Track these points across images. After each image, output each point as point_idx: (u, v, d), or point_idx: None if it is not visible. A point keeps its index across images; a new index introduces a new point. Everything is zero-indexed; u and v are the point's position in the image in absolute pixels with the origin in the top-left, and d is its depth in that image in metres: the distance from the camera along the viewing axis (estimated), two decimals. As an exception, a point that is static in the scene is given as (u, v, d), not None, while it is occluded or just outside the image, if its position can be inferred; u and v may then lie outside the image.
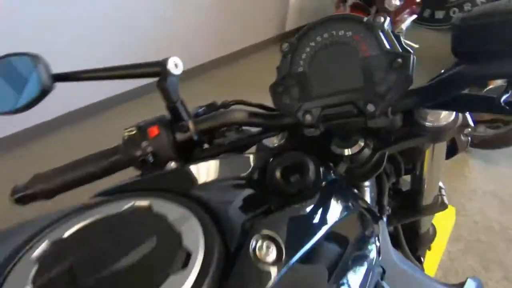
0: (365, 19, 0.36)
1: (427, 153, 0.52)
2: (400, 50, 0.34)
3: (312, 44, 0.38)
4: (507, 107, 0.31)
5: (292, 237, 0.28)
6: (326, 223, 0.31)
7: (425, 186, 0.57)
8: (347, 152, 0.40)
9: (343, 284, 0.29)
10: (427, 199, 0.59)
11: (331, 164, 0.40)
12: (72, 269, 0.24)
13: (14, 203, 0.42)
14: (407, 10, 2.09)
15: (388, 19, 0.36)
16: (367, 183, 0.48)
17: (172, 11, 2.58)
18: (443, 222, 1.31)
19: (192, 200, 0.31)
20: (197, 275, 0.24)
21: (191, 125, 0.45)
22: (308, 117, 0.38)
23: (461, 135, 0.45)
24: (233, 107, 0.50)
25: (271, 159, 0.36)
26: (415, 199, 0.60)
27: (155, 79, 0.44)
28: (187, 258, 0.25)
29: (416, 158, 0.54)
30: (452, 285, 0.52)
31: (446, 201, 0.60)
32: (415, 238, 0.70)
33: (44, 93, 0.45)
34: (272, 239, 0.27)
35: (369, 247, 0.35)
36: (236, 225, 0.29)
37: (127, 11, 2.31)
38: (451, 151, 0.50)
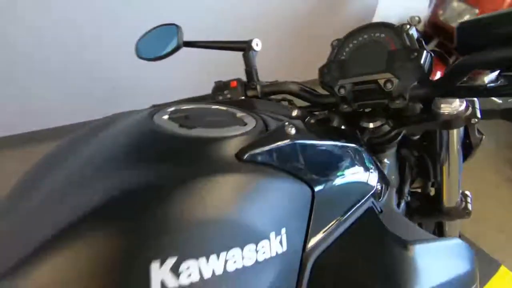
0: (396, 25, 0.48)
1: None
2: (418, 47, 0.45)
3: (355, 42, 0.51)
4: (492, 91, 0.40)
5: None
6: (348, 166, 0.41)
7: (445, 186, 0.59)
8: (371, 125, 0.51)
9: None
10: (449, 201, 0.61)
11: (358, 133, 0.51)
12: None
13: None
14: None
15: (413, 27, 0.47)
16: (386, 160, 0.57)
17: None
18: None
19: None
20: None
21: (258, 86, 0.61)
22: (342, 91, 0.49)
23: (475, 132, 0.53)
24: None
25: None
26: (437, 199, 0.62)
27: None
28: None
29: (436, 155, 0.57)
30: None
31: (470, 208, 0.61)
32: None
33: (175, 50, 0.67)
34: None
35: (370, 181, 0.42)
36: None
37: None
38: (468, 150, 0.56)
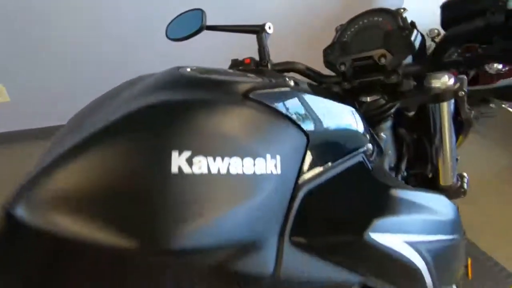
0: (392, 9, 0.55)
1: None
2: (410, 27, 0.51)
3: (356, 26, 0.57)
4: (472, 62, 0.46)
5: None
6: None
7: (440, 164, 0.62)
8: (368, 99, 0.57)
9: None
10: (445, 179, 0.63)
11: (357, 106, 0.57)
12: None
13: None
14: None
15: (407, 10, 0.54)
16: (383, 134, 0.62)
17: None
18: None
19: None
20: None
21: (269, 64, 0.69)
22: (342, 67, 0.56)
23: (465, 107, 0.57)
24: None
25: None
26: (434, 179, 0.65)
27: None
28: None
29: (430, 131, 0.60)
30: None
31: (466, 187, 0.64)
32: None
33: (198, 32, 0.74)
34: None
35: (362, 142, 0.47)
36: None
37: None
38: (460, 127, 0.60)
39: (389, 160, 0.62)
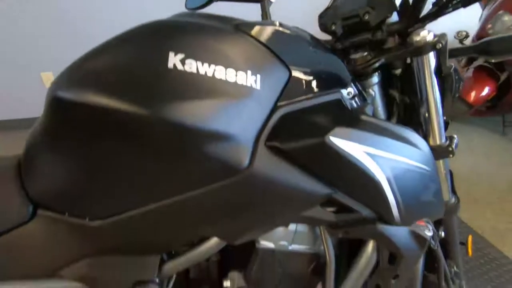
0: None
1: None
2: None
3: None
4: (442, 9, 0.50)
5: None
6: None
7: (427, 122, 0.62)
8: (357, 56, 0.62)
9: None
10: (433, 139, 0.63)
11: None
12: None
13: None
14: None
15: None
16: (371, 91, 0.63)
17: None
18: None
19: None
20: None
21: None
22: (333, 26, 0.61)
23: (446, 61, 0.60)
24: None
25: None
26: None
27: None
28: None
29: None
30: None
31: (454, 148, 0.63)
32: None
33: (210, 2, 0.77)
34: None
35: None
36: None
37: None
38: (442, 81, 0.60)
39: (378, 115, 0.65)
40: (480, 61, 2.20)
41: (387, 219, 0.50)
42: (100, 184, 0.44)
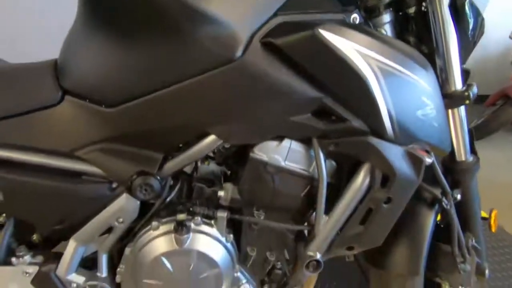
0: None
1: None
2: None
3: None
4: None
5: None
6: None
7: (443, 64, 0.60)
8: None
9: None
10: (449, 83, 0.61)
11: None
12: None
13: None
14: None
15: None
16: (383, 30, 0.59)
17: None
18: None
19: None
20: None
21: None
22: None
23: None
24: None
25: None
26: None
27: None
28: None
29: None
30: None
31: (471, 95, 0.59)
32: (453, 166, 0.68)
33: None
34: None
35: None
36: None
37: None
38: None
39: None
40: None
41: (379, 131, 0.50)
42: (113, 71, 0.52)
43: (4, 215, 0.59)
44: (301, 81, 0.48)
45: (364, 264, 0.79)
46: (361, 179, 0.55)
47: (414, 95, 0.51)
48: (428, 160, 0.54)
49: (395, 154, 0.51)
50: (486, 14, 0.55)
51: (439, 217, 0.78)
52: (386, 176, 0.53)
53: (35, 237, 0.62)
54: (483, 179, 0.76)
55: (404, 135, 0.51)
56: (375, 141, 0.51)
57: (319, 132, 0.52)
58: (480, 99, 0.71)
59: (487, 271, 0.79)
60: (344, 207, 0.56)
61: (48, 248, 0.63)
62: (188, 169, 0.66)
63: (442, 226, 0.77)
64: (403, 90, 0.50)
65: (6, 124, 0.53)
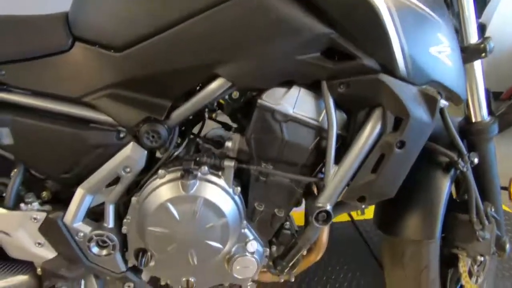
0: None
1: None
2: None
3: None
4: None
5: None
6: None
7: (461, 19, 0.59)
8: None
9: None
10: (468, 36, 0.60)
11: None
12: None
13: None
14: None
15: None
16: None
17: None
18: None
19: None
20: None
21: None
22: None
23: None
24: None
25: None
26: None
27: None
28: None
29: None
30: None
31: (487, 48, 0.58)
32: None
33: None
34: None
35: None
36: None
37: None
38: None
39: None
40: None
41: (391, 68, 0.48)
42: (121, 13, 0.53)
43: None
44: (311, 16, 0.47)
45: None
46: (372, 124, 0.53)
47: (429, 30, 0.49)
48: (443, 101, 0.52)
49: (408, 93, 0.50)
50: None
51: (454, 192, 0.75)
52: (398, 119, 0.51)
53: (44, 194, 0.63)
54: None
55: (417, 73, 0.49)
56: (387, 78, 0.49)
57: (328, 72, 0.51)
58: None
59: (508, 246, 0.75)
60: (355, 154, 0.54)
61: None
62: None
63: (458, 200, 0.75)
64: (417, 24, 0.48)
65: (18, 67, 0.54)
